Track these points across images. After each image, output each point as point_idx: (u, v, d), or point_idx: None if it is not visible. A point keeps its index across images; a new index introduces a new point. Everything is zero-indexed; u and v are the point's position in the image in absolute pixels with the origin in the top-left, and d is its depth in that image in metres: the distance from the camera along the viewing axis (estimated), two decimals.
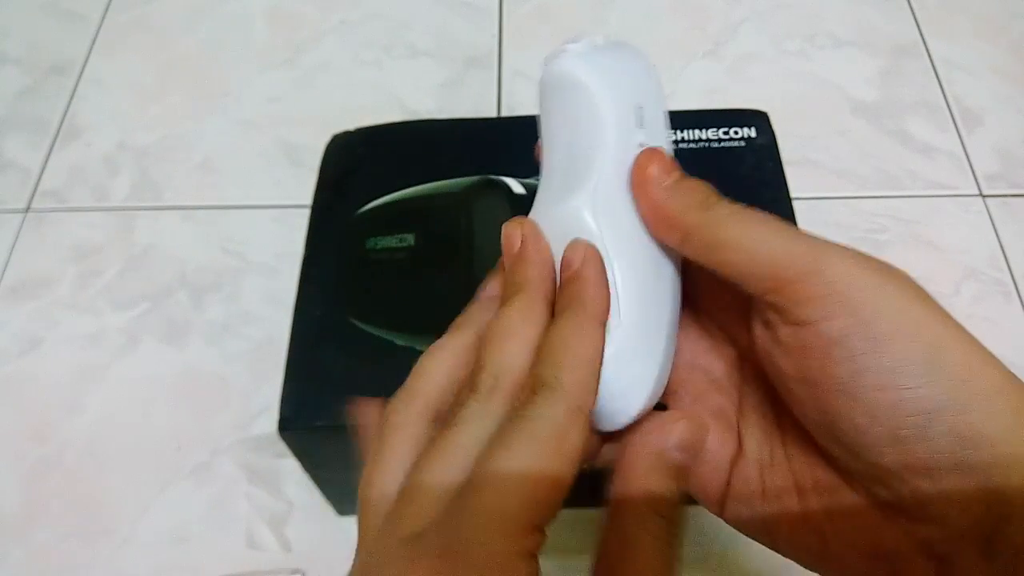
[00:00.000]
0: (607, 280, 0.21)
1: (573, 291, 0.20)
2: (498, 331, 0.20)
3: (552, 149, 0.23)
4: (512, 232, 0.22)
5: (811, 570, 0.21)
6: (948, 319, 0.19)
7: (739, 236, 0.20)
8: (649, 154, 0.21)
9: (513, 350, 0.20)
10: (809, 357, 0.19)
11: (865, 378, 0.18)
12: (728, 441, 0.23)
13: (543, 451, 0.18)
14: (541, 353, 0.19)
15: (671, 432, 0.21)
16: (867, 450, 0.19)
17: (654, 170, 0.21)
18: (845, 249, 0.19)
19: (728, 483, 0.23)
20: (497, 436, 0.18)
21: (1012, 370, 0.18)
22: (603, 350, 0.20)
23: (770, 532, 0.22)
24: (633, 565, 0.19)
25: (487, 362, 0.20)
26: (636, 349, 0.21)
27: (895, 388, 0.18)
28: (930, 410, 0.18)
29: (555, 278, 0.21)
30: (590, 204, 0.21)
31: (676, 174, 0.21)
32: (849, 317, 0.18)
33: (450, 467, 0.18)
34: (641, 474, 0.21)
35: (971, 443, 0.17)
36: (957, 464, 0.17)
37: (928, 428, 0.18)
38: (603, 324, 0.20)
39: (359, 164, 0.38)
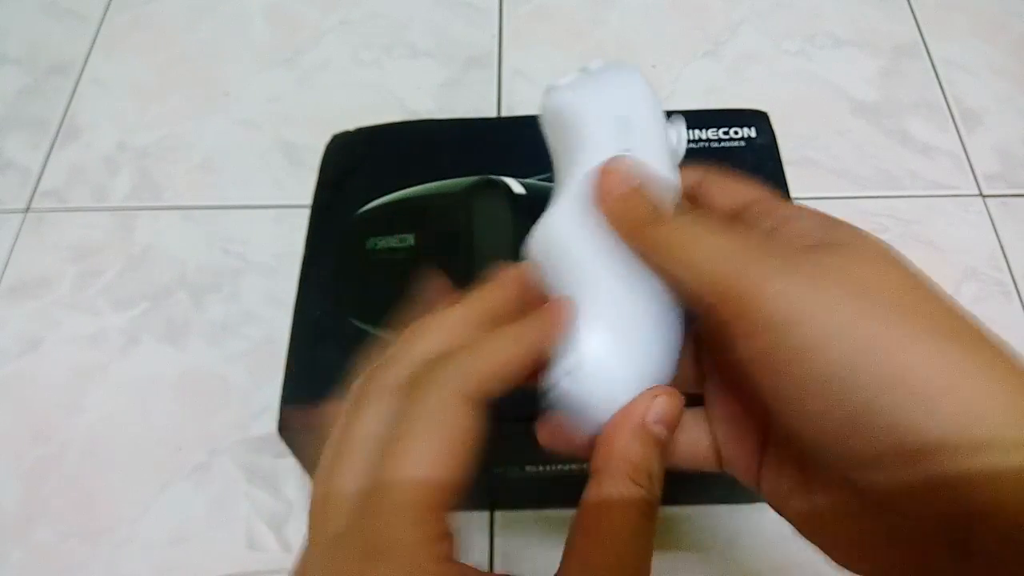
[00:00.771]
0: (565, 328, 0.22)
1: (532, 320, 0.21)
2: (427, 321, 0.21)
3: (556, 170, 0.25)
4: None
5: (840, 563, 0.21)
6: (893, 313, 0.18)
7: (672, 259, 0.21)
8: (607, 163, 0.22)
9: (431, 340, 0.20)
10: (744, 372, 0.20)
11: (791, 388, 0.18)
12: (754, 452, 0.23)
13: (433, 439, 0.18)
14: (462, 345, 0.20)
15: (651, 406, 0.21)
16: (813, 449, 0.19)
17: (610, 180, 0.22)
18: (773, 259, 0.19)
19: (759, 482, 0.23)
20: (396, 426, 0.19)
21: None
22: (524, 364, 0.21)
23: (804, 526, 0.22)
24: (608, 529, 0.20)
25: (398, 352, 0.20)
26: (612, 354, 0.22)
27: (821, 395, 0.18)
28: (859, 413, 0.17)
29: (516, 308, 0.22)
30: (568, 212, 0.23)
31: (628, 186, 0.22)
32: (769, 333, 0.18)
33: (358, 463, 0.19)
34: (621, 444, 0.21)
35: (912, 441, 0.17)
36: (900, 458, 0.17)
37: (860, 428, 0.17)
38: (539, 353, 0.21)
39: (359, 164, 0.38)
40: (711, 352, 0.25)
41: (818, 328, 0.18)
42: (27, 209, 0.54)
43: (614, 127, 0.23)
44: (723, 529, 0.41)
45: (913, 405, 0.17)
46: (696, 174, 0.25)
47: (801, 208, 0.23)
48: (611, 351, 0.22)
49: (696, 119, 0.39)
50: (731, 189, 0.25)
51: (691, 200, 0.25)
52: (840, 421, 0.18)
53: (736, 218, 0.23)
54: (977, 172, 0.53)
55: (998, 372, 0.17)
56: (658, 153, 0.23)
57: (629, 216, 0.22)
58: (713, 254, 0.20)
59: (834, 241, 0.20)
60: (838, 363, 0.18)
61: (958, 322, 0.19)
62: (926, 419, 0.17)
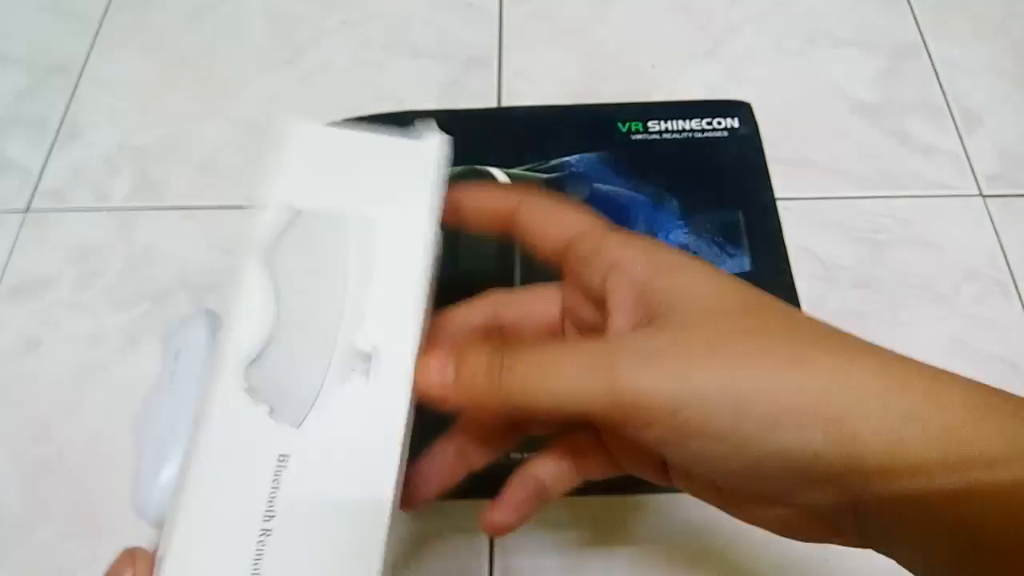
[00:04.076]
0: None
1: None
2: None
3: None
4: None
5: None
6: (762, 357, 0.20)
7: (540, 397, 0.21)
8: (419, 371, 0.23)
9: None
10: (644, 448, 0.21)
11: (694, 456, 0.20)
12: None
13: None
14: None
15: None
16: (730, 488, 0.22)
17: (431, 373, 0.23)
18: (628, 358, 0.20)
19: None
20: None
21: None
22: None
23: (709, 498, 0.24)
24: None
25: None
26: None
27: (721, 456, 0.20)
28: (756, 459, 0.19)
29: None
30: None
31: (447, 366, 0.23)
32: (655, 426, 0.20)
33: None
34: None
35: (801, 474, 0.19)
36: (788, 489, 0.20)
37: (763, 470, 0.19)
38: None
39: None
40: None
41: (693, 407, 0.19)
42: (27, 209, 0.54)
43: None
44: (725, 527, 0.41)
45: (795, 436, 0.19)
46: (511, 199, 0.26)
47: (626, 241, 0.23)
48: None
49: (679, 110, 0.39)
50: (554, 221, 0.25)
51: (509, 231, 0.26)
52: (743, 471, 0.20)
53: (563, 256, 0.24)
54: (977, 172, 0.53)
55: (856, 378, 0.19)
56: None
57: (471, 386, 0.22)
58: (579, 378, 0.21)
59: (666, 301, 0.22)
60: (723, 426, 0.19)
61: (796, 331, 0.21)
62: (807, 446, 0.19)
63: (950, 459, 0.17)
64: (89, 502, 0.43)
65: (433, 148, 0.26)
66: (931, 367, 0.20)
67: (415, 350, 0.23)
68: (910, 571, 0.20)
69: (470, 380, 0.22)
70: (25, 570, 0.41)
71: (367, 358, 0.23)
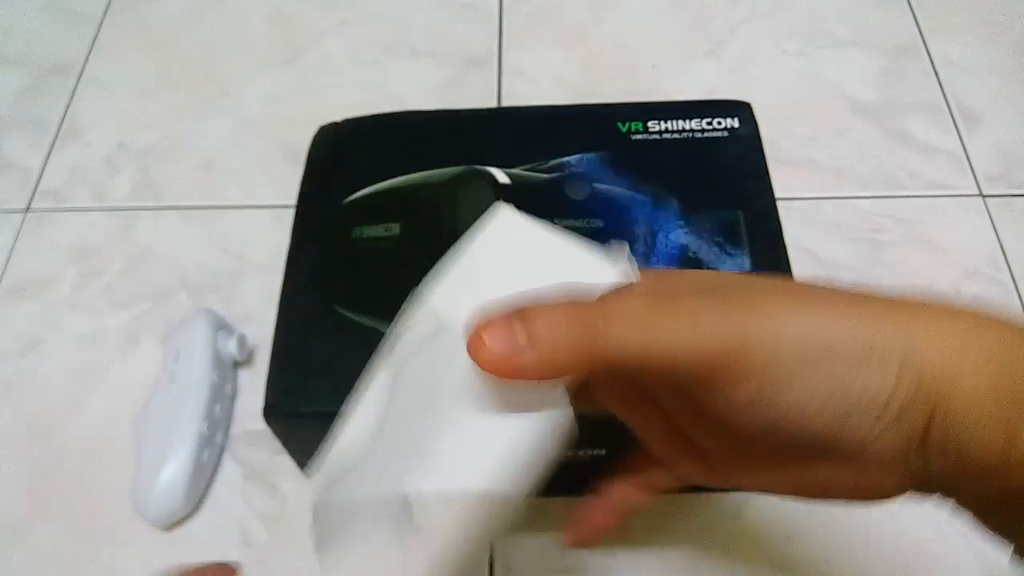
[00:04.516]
0: None
1: None
2: None
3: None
4: None
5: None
6: (834, 305, 0.20)
7: (652, 341, 0.19)
8: (478, 336, 0.19)
9: None
10: (724, 416, 0.21)
11: (776, 421, 0.20)
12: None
13: None
14: None
15: None
16: (803, 443, 0.21)
17: (493, 340, 0.19)
18: (737, 314, 0.20)
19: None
20: None
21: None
22: None
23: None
24: None
25: None
26: None
27: (800, 421, 0.20)
28: (836, 417, 0.19)
29: None
30: None
31: (514, 325, 0.19)
32: (755, 378, 0.20)
33: None
34: None
35: (880, 413, 0.19)
36: (865, 435, 0.19)
37: (838, 430, 0.20)
38: None
39: (346, 155, 0.39)
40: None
41: (789, 354, 0.19)
42: (27, 209, 0.54)
43: None
44: (724, 527, 0.41)
45: (877, 372, 0.19)
46: None
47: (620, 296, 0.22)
48: None
49: (679, 110, 0.39)
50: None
51: None
52: (830, 421, 0.20)
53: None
54: (977, 172, 0.53)
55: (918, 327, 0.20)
56: None
57: (556, 344, 0.19)
58: (683, 336, 0.19)
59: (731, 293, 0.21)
60: (817, 371, 0.19)
61: (830, 294, 0.21)
62: (886, 382, 0.19)
63: (1001, 383, 0.18)
64: (89, 502, 0.43)
65: (605, 278, 0.21)
66: (967, 308, 0.20)
67: (458, 518, 0.19)
68: (966, 509, 0.20)
69: (554, 337, 0.18)
70: (25, 570, 0.41)
71: (407, 507, 0.19)
